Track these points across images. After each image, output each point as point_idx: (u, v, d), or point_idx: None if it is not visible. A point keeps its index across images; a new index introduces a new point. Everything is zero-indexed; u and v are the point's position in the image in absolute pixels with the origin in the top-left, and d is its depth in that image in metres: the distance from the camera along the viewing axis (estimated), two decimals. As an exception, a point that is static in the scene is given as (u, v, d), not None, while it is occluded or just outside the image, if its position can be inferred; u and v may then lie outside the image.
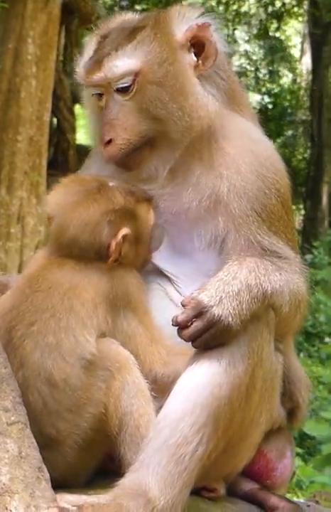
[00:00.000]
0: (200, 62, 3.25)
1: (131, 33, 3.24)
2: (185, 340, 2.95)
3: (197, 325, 2.93)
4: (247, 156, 3.28)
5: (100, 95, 3.31)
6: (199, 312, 2.93)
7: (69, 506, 2.73)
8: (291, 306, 3.20)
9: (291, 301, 3.19)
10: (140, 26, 3.25)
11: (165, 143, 3.26)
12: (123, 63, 3.18)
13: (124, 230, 3.17)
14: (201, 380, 2.91)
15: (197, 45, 3.25)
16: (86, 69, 3.30)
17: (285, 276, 3.16)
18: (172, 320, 2.95)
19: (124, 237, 3.15)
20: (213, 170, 3.27)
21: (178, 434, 2.86)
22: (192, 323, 2.93)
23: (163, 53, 3.20)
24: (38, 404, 2.98)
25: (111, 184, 3.25)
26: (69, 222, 3.16)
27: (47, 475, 2.84)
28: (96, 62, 3.25)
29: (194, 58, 3.25)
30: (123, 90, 3.21)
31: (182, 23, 3.25)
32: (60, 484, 2.92)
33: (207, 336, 2.93)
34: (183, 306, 2.97)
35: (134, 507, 2.76)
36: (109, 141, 3.23)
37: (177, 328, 2.94)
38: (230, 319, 2.92)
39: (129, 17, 3.44)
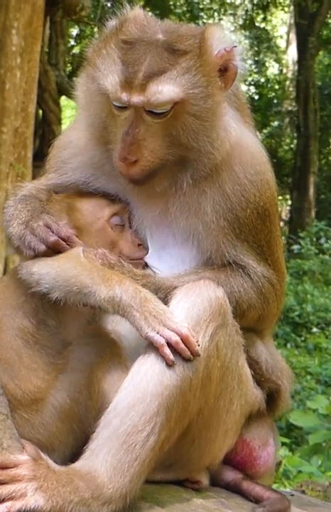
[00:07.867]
0: (222, 83, 3.20)
1: (173, 56, 3.09)
2: None
3: None
4: (242, 185, 3.26)
5: (123, 107, 3.14)
6: None
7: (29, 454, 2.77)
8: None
9: None
10: (183, 50, 3.10)
11: (182, 166, 3.21)
12: (168, 91, 3.04)
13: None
14: (151, 370, 2.88)
15: (222, 68, 3.20)
16: (122, 85, 3.08)
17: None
18: None
19: None
20: (206, 193, 3.25)
21: (128, 422, 2.83)
22: None
23: (207, 88, 3.10)
24: (13, 357, 3.02)
25: None
26: None
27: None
28: (138, 82, 3.06)
29: (219, 82, 3.19)
30: (157, 114, 3.10)
31: (217, 48, 3.16)
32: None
33: None
34: None
35: (83, 488, 2.74)
36: (134, 161, 3.15)
37: None
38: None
39: (149, 21, 3.24)
